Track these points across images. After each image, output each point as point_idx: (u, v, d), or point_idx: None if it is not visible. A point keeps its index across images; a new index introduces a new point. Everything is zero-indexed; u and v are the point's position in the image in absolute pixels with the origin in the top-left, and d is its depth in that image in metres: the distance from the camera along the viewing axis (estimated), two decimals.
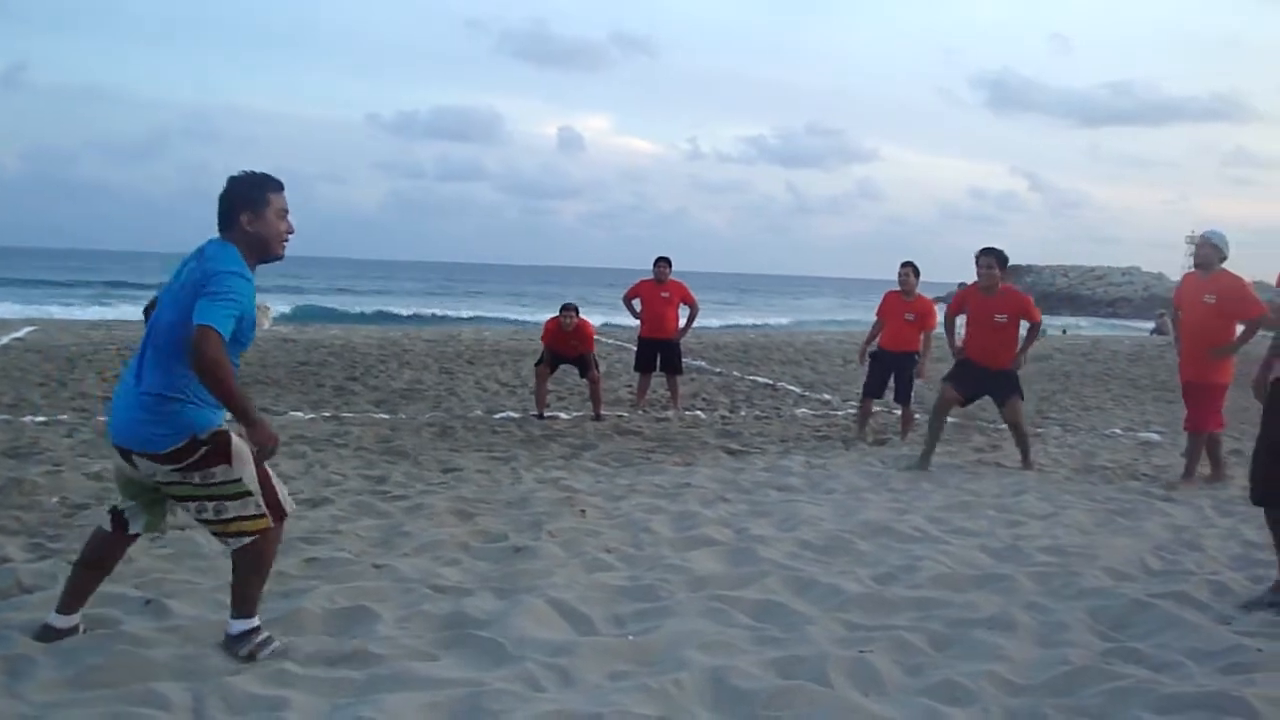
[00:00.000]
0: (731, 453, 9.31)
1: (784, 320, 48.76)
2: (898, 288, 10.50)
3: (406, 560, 5.56)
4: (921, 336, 10.42)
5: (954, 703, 3.78)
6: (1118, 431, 11.38)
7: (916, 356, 10.42)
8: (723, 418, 11.47)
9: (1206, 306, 8.10)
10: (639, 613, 4.77)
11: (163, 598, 4.73)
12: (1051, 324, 41.03)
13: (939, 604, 4.94)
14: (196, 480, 3.99)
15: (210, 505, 4.04)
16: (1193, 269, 8.36)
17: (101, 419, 9.95)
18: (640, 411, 11.80)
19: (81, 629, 4.22)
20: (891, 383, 10.51)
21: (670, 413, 11.74)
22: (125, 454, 4.04)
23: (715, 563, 5.65)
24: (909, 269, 10.39)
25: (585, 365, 11.36)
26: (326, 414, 10.91)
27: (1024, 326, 8.74)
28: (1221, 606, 5.03)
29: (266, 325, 24.08)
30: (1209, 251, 8.19)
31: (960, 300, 9.11)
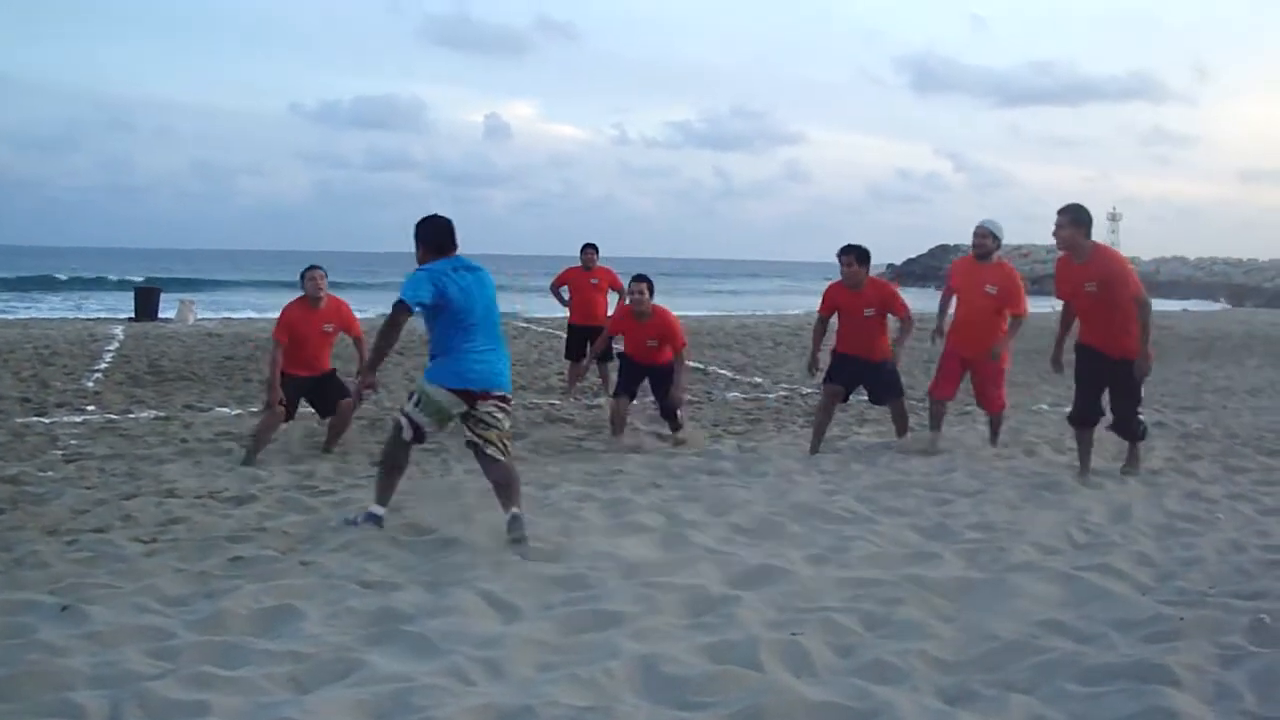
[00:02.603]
0: (663, 438, 9.30)
1: (714, 304, 48.81)
2: (632, 306, 9.17)
3: (334, 556, 5.47)
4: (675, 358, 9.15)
5: (885, 682, 3.80)
6: (1044, 408, 11.54)
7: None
8: (654, 403, 11.44)
9: (988, 296, 8.34)
10: (569, 601, 4.74)
11: (80, 603, 4.61)
12: None
13: (869, 583, 4.97)
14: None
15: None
16: (972, 256, 8.51)
17: (18, 420, 9.70)
18: (571, 399, 11.74)
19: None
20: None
21: (601, 400, 11.70)
22: (471, 396, 5.80)
23: (647, 549, 5.64)
24: (644, 285, 9.11)
25: (330, 395, 8.61)
26: (254, 409, 10.72)
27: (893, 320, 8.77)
28: (1144, 577, 5.11)
29: (191, 321, 23.65)
30: (989, 242, 8.38)
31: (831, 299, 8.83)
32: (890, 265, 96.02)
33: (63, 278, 59.27)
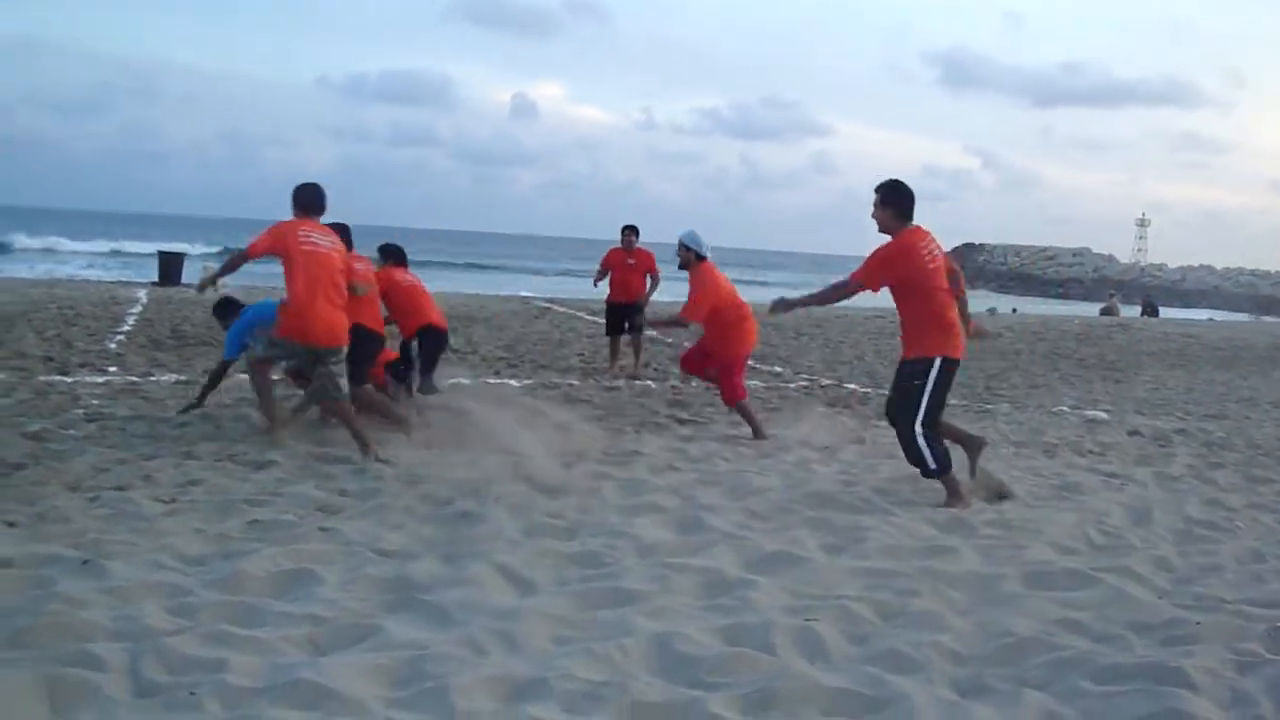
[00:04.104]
0: (682, 422, 9.30)
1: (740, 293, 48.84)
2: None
3: (351, 524, 5.50)
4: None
5: (899, 671, 3.79)
6: (1065, 409, 11.48)
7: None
8: (673, 388, 11.45)
9: None
10: (585, 578, 4.75)
11: (100, 558, 4.65)
12: (1002, 303, 41.41)
13: (885, 574, 4.96)
14: None
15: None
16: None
17: (41, 379, 9.76)
18: (611, 374, 11.89)
19: None
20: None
21: (620, 382, 11.72)
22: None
23: (663, 530, 5.64)
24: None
25: None
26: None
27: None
28: (1163, 581, 5.09)
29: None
30: (682, 252, 8.73)
31: None
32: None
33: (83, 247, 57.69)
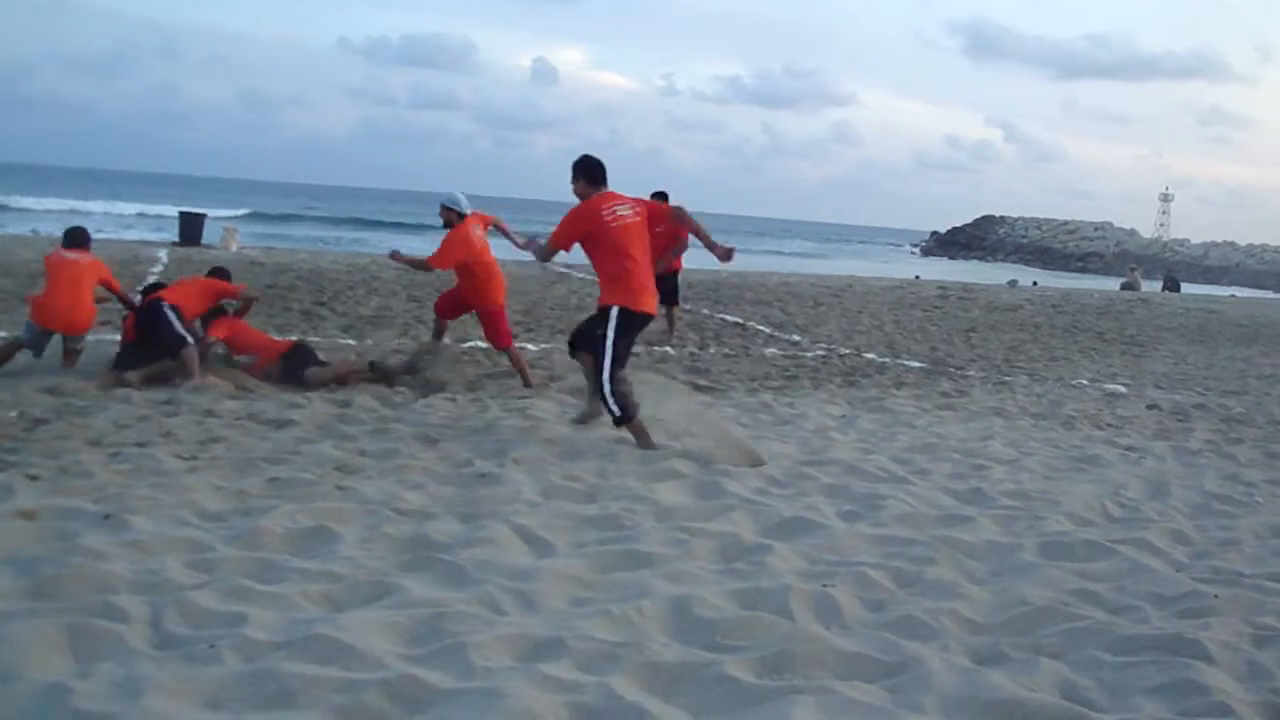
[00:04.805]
0: (700, 389, 9.30)
1: (756, 262, 48.51)
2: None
3: (370, 483, 5.53)
4: None
5: (915, 638, 3.80)
6: (1084, 382, 11.44)
7: None
8: (691, 354, 11.45)
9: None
10: (602, 540, 4.77)
11: (123, 513, 4.69)
12: (1023, 276, 41.16)
13: (902, 542, 4.97)
14: None
15: None
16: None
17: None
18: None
19: None
20: None
21: (637, 348, 11.70)
22: None
23: (680, 495, 5.65)
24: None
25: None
26: (293, 338, 10.78)
27: None
28: (1180, 554, 5.08)
29: (234, 249, 23.78)
30: (444, 214, 9.15)
31: None
32: (934, 233, 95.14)
33: (93, 209, 57.41)
